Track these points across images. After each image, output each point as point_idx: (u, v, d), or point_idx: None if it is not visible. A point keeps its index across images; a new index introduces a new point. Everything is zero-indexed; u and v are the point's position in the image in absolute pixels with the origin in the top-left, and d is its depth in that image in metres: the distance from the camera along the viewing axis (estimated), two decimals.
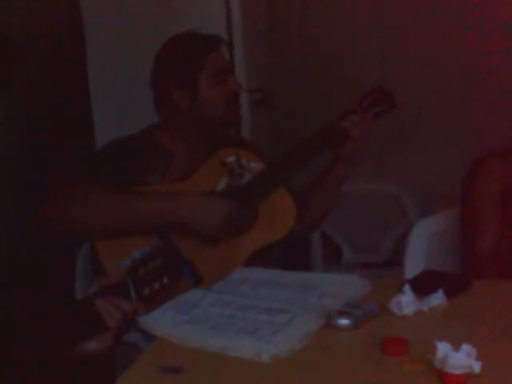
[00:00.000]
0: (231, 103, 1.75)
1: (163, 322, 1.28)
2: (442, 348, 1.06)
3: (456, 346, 1.05)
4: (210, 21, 2.26)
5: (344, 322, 1.25)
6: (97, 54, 2.37)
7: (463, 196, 1.79)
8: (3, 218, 2.06)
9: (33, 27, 2.22)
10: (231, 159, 1.73)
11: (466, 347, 1.05)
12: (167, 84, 1.73)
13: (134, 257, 1.30)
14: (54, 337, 1.09)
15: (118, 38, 2.34)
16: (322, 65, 2.70)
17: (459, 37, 2.54)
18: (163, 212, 1.60)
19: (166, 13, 2.33)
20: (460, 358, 1.03)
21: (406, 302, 1.29)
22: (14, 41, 1.05)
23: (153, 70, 1.76)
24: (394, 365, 1.11)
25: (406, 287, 1.32)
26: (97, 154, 1.75)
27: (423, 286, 1.38)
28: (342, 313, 1.26)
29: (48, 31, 2.34)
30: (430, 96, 2.59)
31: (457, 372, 1.03)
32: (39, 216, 1.60)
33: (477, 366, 1.04)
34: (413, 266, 1.76)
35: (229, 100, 1.73)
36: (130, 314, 1.17)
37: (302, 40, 2.74)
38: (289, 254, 1.96)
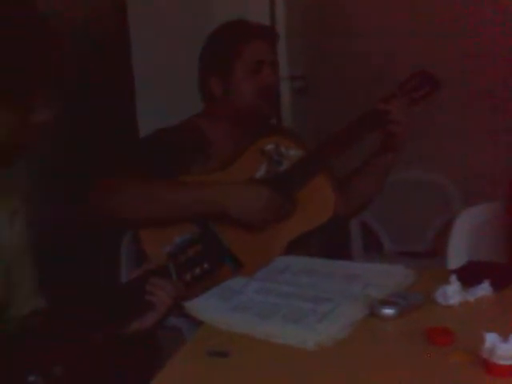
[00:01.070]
0: (264, 95, 1.74)
1: (208, 308, 1.30)
2: (490, 338, 1.04)
3: (504, 337, 1.04)
4: (254, 8, 2.26)
5: (388, 311, 1.24)
6: (141, 43, 2.39)
7: (510, 186, 1.76)
8: (51, 207, 2.10)
9: (76, 20, 2.25)
10: (270, 147, 1.74)
11: None
12: (205, 71, 1.77)
13: (175, 243, 1.31)
14: (97, 319, 1.12)
15: (161, 26, 2.36)
16: (362, 52, 2.67)
17: None
18: (204, 200, 1.61)
19: None
20: (509, 349, 1.02)
21: (452, 293, 1.28)
22: (65, 39, 1.07)
23: (198, 57, 1.78)
24: (440, 355, 1.10)
25: (453, 277, 1.30)
26: (143, 143, 1.77)
27: (469, 276, 1.37)
28: (386, 302, 1.26)
29: (92, 21, 2.37)
30: (475, 86, 2.55)
31: (505, 363, 1.02)
32: (89, 204, 1.63)
33: None
34: (456, 256, 1.74)
35: (261, 92, 1.74)
36: (174, 297, 1.18)
37: (343, 28, 2.72)
38: (329, 244, 1.96)
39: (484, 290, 1.32)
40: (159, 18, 2.39)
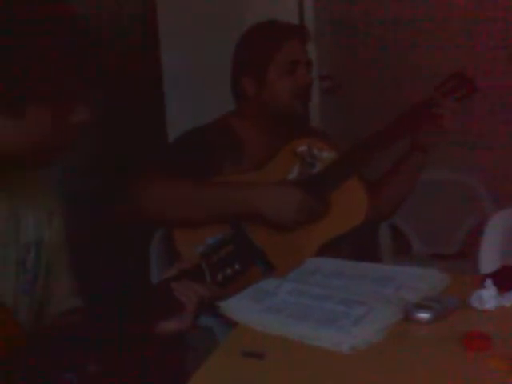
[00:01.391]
0: (297, 96, 1.74)
1: (242, 308, 1.30)
2: None
3: None
4: (282, 7, 2.26)
5: (423, 315, 1.23)
6: (170, 43, 2.40)
7: None
8: (82, 207, 2.12)
9: (107, 18, 2.26)
10: (303, 149, 1.73)
11: None
12: (238, 71, 1.76)
13: (207, 243, 1.31)
14: (133, 319, 1.12)
15: (190, 26, 2.36)
16: (395, 53, 2.66)
17: None
18: (239, 201, 1.61)
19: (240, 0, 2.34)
20: None
21: (488, 297, 1.27)
22: (98, 38, 1.08)
23: (231, 58, 1.78)
24: (477, 361, 1.09)
25: (488, 282, 1.29)
26: (175, 144, 1.77)
27: (503, 281, 1.35)
28: (421, 306, 1.25)
29: (121, 21, 2.38)
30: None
31: None
32: (123, 204, 1.65)
33: None
34: (488, 259, 1.73)
35: (295, 92, 1.73)
36: (207, 297, 1.18)
37: (374, 29, 2.71)
38: (359, 246, 1.95)
39: None
40: (189, 17, 2.40)
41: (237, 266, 1.23)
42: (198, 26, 2.37)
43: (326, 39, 2.54)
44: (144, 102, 2.42)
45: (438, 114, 1.70)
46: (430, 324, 1.23)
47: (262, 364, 1.12)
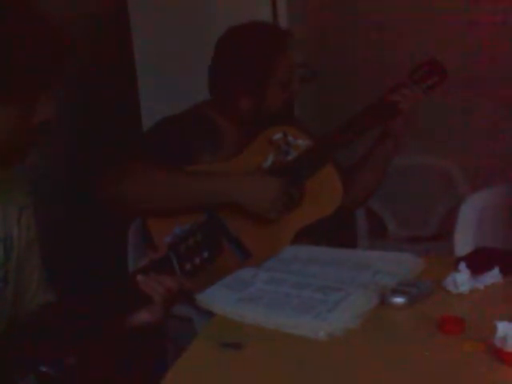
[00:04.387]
0: (290, 100, 1.75)
1: (219, 299, 1.30)
2: (502, 328, 1.05)
3: None
4: None
5: (399, 300, 1.25)
6: (141, 30, 2.37)
7: None
8: (57, 198, 2.11)
9: (77, 11, 2.23)
10: (278, 136, 1.73)
11: None
12: (232, 87, 1.71)
13: (174, 233, 1.31)
14: (105, 311, 1.13)
15: (161, 18, 2.34)
16: (371, 39, 2.66)
17: None
18: (215, 192, 1.61)
19: None
20: None
21: (462, 280, 1.28)
22: (64, 33, 1.06)
23: (215, 65, 1.74)
24: (451, 344, 1.11)
25: (462, 265, 1.31)
26: (150, 132, 1.76)
27: (477, 263, 1.37)
28: (396, 291, 1.26)
29: (93, 14, 2.35)
30: (484, 67, 2.53)
31: None
32: (96, 194, 1.63)
33: None
34: (462, 241, 1.75)
35: (287, 100, 1.74)
36: (175, 288, 1.18)
37: (351, 13, 2.70)
38: (334, 230, 1.96)
39: (493, 277, 1.32)
40: (160, 3, 2.37)
41: (205, 255, 1.22)
42: (170, 12, 2.34)
43: (300, 25, 2.52)
44: (117, 92, 2.40)
45: (395, 100, 1.72)
46: (406, 308, 1.24)
47: (240, 354, 1.12)
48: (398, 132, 1.78)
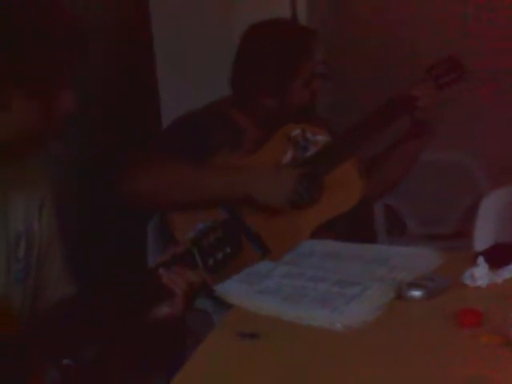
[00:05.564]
0: (314, 99, 1.75)
1: (237, 291, 1.31)
2: None
3: None
4: None
5: (416, 293, 1.25)
6: (162, 28, 2.39)
7: None
8: (76, 193, 2.13)
9: (98, 9, 2.25)
10: (296, 133, 1.74)
11: None
12: (255, 86, 1.72)
13: (197, 228, 1.32)
14: (126, 304, 1.13)
15: (182, 11, 2.34)
16: (387, 36, 2.65)
17: None
18: (233, 187, 1.62)
19: None
20: None
21: (480, 274, 1.28)
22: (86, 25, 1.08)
23: (239, 63, 1.75)
24: (469, 337, 1.11)
25: (480, 259, 1.30)
26: (170, 127, 1.77)
27: (496, 258, 1.36)
28: (413, 285, 1.26)
29: (112, 6, 2.37)
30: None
31: None
32: (115, 189, 1.65)
33: None
34: (482, 238, 1.74)
35: (309, 100, 1.74)
36: (197, 283, 1.19)
37: (366, 10, 2.70)
38: (354, 227, 1.96)
39: (511, 271, 1.32)
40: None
41: (228, 250, 1.23)
42: (191, 4, 2.35)
43: (318, 22, 2.52)
44: (137, 87, 2.42)
45: (414, 95, 1.71)
46: (423, 302, 1.24)
47: (257, 344, 1.13)
48: (426, 130, 1.78)
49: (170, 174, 1.64)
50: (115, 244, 2.17)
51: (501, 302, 1.23)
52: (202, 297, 1.57)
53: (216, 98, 1.82)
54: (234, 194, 1.62)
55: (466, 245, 1.83)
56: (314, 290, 1.28)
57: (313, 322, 1.18)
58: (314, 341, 1.15)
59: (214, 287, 1.31)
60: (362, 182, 1.72)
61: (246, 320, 1.23)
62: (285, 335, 1.17)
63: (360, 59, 2.71)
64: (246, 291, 1.31)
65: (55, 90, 1.03)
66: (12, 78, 0.98)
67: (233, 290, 1.31)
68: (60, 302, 1.23)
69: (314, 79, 1.73)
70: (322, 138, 1.74)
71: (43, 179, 1.20)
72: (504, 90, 2.58)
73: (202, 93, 1.94)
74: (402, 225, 2.64)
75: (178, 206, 1.66)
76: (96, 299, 1.16)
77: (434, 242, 2.46)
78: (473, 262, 1.33)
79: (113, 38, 2.33)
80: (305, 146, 1.73)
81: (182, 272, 1.17)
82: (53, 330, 1.06)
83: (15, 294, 1.12)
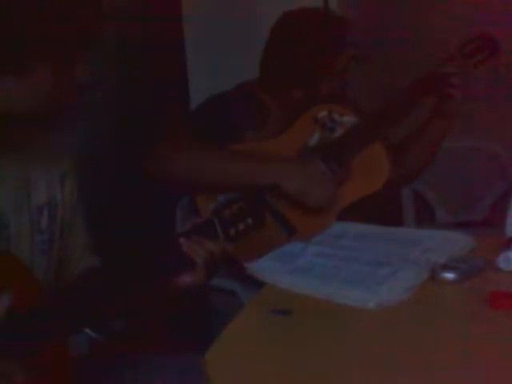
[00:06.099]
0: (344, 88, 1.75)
1: (269, 269, 1.32)
2: None
3: None
4: None
5: (449, 275, 1.25)
6: (192, 11, 2.39)
7: None
8: (106, 173, 2.14)
9: None
10: (323, 114, 1.73)
11: None
12: (285, 78, 1.72)
13: (219, 201, 1.31)
14: (148, 274, 1.13)
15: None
16: (415, 16, 2.62)
17: None
18: (259, 176, 1.59)
19: None
20: None
21: None
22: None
23: (269, 53, 1.74)
24: (501, 319, 1.11)
25: None
26: (198, 108, 1.77)
27: None
28: (447, 267, 1.26)
29: None
30: None
31: None
32: (144, 169, 1.66)
33: None
34: None
35: (342, 85, 1.74)
36: (218, 252, 1.17)
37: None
38: (381, 212, 1.95)
39: None
40: None
41: (249, 221, 1.20)
42: None
43: (347, 5, 2.50)
44: (166, 69, 2.42)
45: (448, 71, 1.68)
46: (456, 284, 1.24)
47: (290, 321, 1.14)
48: (450, 110, 1.75)
49: (199, 159, 1.64)
50: (143, 223, 2.18)
51: None
52: (227, 276, 1.58)
53: (246, 77, 1.81)
54: (260, 183, 1.61)
55: (496, 233, 1.81)
56: (347, 270, 1.29)
57: (345, 300, 1.19)
58: (346, 318, 1.16)
59: (245, 265, 1.32)
60: (390, 164, 1.71)
61: (279, 297, 1.24)
62: (317, 312, 1.18)
63: (388, 45, 2.69)
64: (279, 269, 1.32)
65: (71, 58, 1.02)
66: (26, 45, 0.97)
67: (266, 268, 1.32)
68: (84, 273, 1.22)
69: (347, 70, 1.72)
70: (348, 119, 1.73)
71: (67, 152, 1.20)
72: None
73: (232, 72, 1.94)
74: (431, 213, 2.62)
75: (204, 187, 1.66)
76: (119, 270, 1.16)
77: (463, 230, 2.43)
78: (506, 246, 1.32)
79: (140, 17, 2.33)
80: (331, 128, 1.72)
81: (201, 241, 1.16)
82: (78, 301, 1.05)
83: (39, 266, 1.12)
